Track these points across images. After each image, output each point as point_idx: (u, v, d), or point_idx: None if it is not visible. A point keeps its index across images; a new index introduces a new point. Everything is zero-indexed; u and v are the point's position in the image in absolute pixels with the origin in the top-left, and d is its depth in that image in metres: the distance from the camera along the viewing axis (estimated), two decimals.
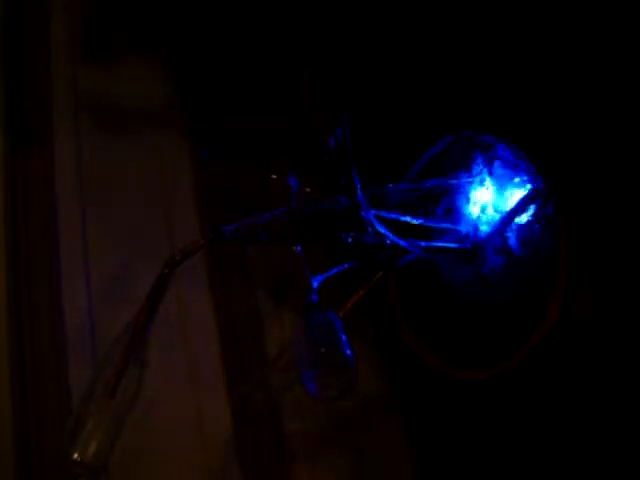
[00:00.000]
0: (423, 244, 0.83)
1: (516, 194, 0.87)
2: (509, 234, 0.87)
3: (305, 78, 0.81)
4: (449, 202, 0.92)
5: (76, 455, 0.61)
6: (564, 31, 0.86)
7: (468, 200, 0.91)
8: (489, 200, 0.89)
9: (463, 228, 0.90)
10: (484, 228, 0.89)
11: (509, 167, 0.88)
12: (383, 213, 0.79)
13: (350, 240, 0.75)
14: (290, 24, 0.96)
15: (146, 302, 0.65)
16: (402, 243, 0.79)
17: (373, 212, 0.77)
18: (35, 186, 1.02)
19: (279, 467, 0.96)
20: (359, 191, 0.75)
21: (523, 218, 0.86)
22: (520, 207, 0.86)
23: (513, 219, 0.86)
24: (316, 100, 0.78)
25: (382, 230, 0.77)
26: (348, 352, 0.70)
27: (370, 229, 0.77)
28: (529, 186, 0.86)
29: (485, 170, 0.90)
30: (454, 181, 0.91)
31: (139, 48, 1.13)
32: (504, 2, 0.90)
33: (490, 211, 0.89)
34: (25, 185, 1.02)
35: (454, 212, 0.92)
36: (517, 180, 0.87)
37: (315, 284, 0.75)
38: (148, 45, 1.14)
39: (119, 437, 0.64)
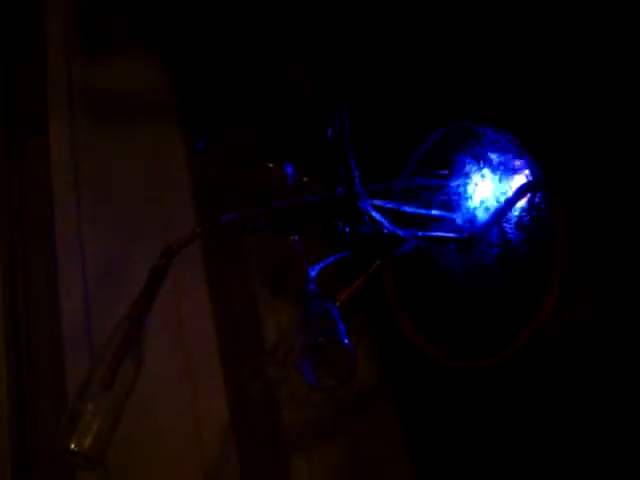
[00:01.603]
0: (420, 233, 0.83)
1: (513, 184, 0.87)
2: (506, 224, 0.87)
3: (303, 70, 0.81)
4: (447, 192, 0.92)
5: (73, 445, 0.60)
6: (561, 23, 0.86)
7: (465, 190, 0.91)
8: (486, 190, 0.89)
9: (460, 218, 0.90)
10: (481, 218, 0.89)
11: (507, 157, 0.88)
12: (380, 202, 0.79)
13: (347, 229, 0.75)
14: (288, 18, 0.96)
15: (143, 292, 0.65)
16: (399, 232, 0.79)
17: (370, 201, 0.76)
18: (31, 184, 1.02)
19: (277, 458, 0.96)
20: (357, 180, 0.75)
21: (520, 208, 0.86)
22: (517, 197, 0.86)
23: (510, 209, 0.86)
24: (314, 91, 0.78)
25: (379, 219, 0.77)
26: (346, 341, 0.70)
27: (367, 218, 0.76)
28: (526, 176, 0.86)
29: (482, 160, 0.90)
30: (451, 171, 0.91)
31: (136, 44, 1.13)
32: None
33: (487, 201, 0.89)
34: (21, 183, 1.01)
35: (452, 202, 0.92)
36: (514, 170, 0.87)
37: (312, 273, 0.75)
38: (145, 41, 1.13)
39: (116, 429, 0.63)
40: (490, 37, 0.91)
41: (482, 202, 0.89)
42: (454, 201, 0.92)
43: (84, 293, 0.97)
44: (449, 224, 0.90)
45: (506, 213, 0.87)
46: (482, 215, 0.89)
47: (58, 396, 0.91)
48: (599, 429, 0.82)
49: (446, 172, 0.92)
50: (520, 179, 0.86)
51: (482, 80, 0.91)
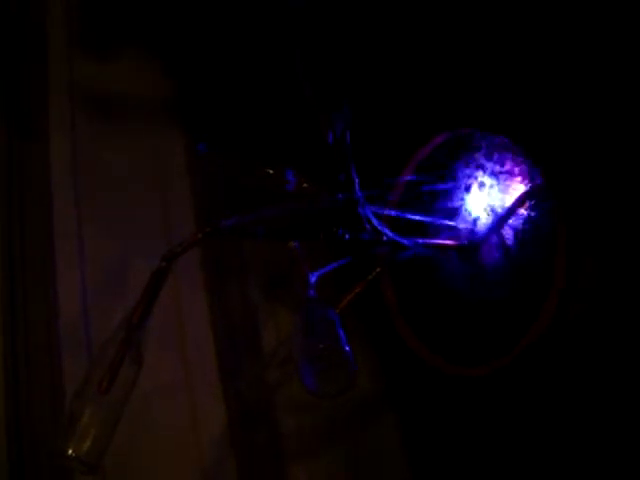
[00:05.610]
0: (420, 241, 0.83)
1: (514, 191, 0.87)
2: (507, 231, 0.87)
3: (304, 74, 0.81)
4: (447, 199, 0.92)
5: (71, 451, 0.60)
6: (562, 29, 0.86)
7: (466, 197, 0.91)
8: (487, 197, 0.89)
9: (460, 225, 0.90)
10: (482, 225, 0.89)
11: (508, 164, 0.88)
12: (381, 209, 0.79)
13: (347, 236, 0.74)
14: (290, 20, 0.96)
15: (143, 296, 0.65)
16: (399, 239, 0.79)
17: (370, 208, 0.76)
18: (31, 184, 1.02)
19: (274, 464, 0.96)
20: (357, 187, 0.75)
21: (521, 215, 0.86)
22: (518, 204, 0.86)
23: (510, 216, 0.86)
24: (315, 96, 0.78)
25: (379, 226, 0.77)
26: (347, 348, 0.70)
27: (367, 225, 0.76)
28: (527, 183, 0.86)
29: (483, 167, 0.90)
30: (451, 178, 0.91)
31: (137, 45, 1.13)
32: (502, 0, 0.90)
33: (488, 208, 0.89)
34: (21, 183, 1.01)
35: (452, 209, 0.92)
36: (515, 177, 0.87)
37: (313, 279, 0.74)
38: (146, 41, 1.14)
39: (114, 433, 0.63)
40: (491, 44, 0.91)
41: (482, 209, 0.89)
42: (454, 208, 0.92)
43: (82, 293, 0.97)
44: (449, 231, 0.90)
45: (506, 220, 0.87)
46: (482, 222, 0.89)
47: (55, 397, 0.91)
48: (597, 435, 0.82)
49: (446, 179, 0.92)
50: (520, 186, 0.86)
51: (483, 87, 0.91)
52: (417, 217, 0.87)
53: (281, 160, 0.78)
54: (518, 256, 0.86)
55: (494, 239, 0.88)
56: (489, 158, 0.90)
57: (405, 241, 0.80)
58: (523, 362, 0.83)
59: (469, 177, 0.91)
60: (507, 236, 0.87)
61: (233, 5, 1.09)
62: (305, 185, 0.77)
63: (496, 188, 0.89)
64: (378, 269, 0.86)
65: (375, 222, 0.76)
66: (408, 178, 0.96)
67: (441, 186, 0.92)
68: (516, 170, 0.87)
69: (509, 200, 0.87)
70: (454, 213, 0.92)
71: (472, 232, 0.89)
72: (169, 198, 1.07)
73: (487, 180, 0.90)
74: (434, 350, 0.93)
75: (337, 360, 0.70)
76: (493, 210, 0.88)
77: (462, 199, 0.91)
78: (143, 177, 1.06)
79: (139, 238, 1.01)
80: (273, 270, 1.05)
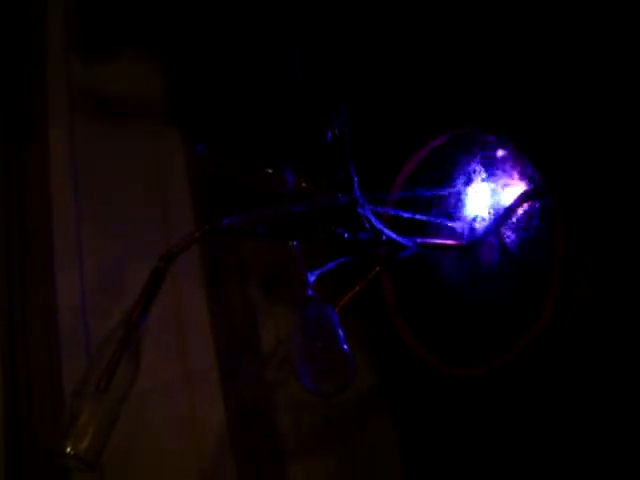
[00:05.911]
0: (419, 240, 0.83)
1: (513, 191, 0.87)
2: (506, 231, 0.87)
3: (304, 73, 0.81)
4: (446, 199, 0.92)
5: (69, 449, 0.60)
6: (563, 30, 0.86)
7: (465, 197, 0.91)
8: (486, 197, 0.89)
9: (460, 225, 0.90)
10: (481, 225, 0.89)
11: (507, 164, 0.88)
12: (380, 209, 0.79)
13: (347, 235, 0.74)
14: (290, 21, 0.96)
15: (141, 296, 0.65)
16: (398, 239, 0.79)
17: (370, 207, 0.76)
18: (30, 184, 1.02)
19: (274, 463, 0.96)
20: (356, 186, 0.75)
21: (520, 215, 0.86)
22: (517, 204, 0.86)
23: (509, 217, 0.86)
24: (314, 95, 0.78)
25: (378, 226, 0.77)
26: (345, 347, 0.70)
27: (367, 224, 0.76)
28: (526, 184, 0.86)
29: (483, 167, 0.90)
30: (451, 177, 0.91)
31: (136, 46, 1.13)
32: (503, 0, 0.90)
33: (487, 208, 0.89)
34: (20, 183, 1.01)
35: (451, 209, 0.92)
36: (515, 177, 0.87)
37: (312, 279, 0.74)
38: (145, 43, 1.14)
39: (112, 432, 0.63)
40: (491, 44, 0.91)
41: (481, 209, 0.89)
42: (453, 208, 0.92)
43: (82, 293, 0.97)
44: (448, 231, 0.90)
45: (506, 220, 0.87)
46: (481, 222, 0.89)
47: (54, 397, 0.91)
48: (596, 435, 0.82)
49: (446, 178, 0.92)
50: (520, 186, 0.86)
51: (484, 87, 0.91)
52: (416, 216, 0.87)
53: (280, 160, 0.78)
54: (517, 256, 0.86)
55: (493, 239, 0.88)
56: (488, 158, 0.90)
57: (404, 240, 0.80)
58: (522, 362, 0.83)
59: (468, 177, 0.91)
60: (506, 236, 0.87)
61: (232, 5, 1.09)
62: (304, 185, 0.77)
63: (495, 188, 0.89)
64: (377, 268, 0.86)
65: (374, 221, 0.76)
66: (407, 178, 0.96)
67: (440, 186, 0.92)
68: (515, 170, 0.87)
69: (508, 200, 0.87)
70: (453, 213, 0.92)
71: (471, 232, 0.89)
72: (169, 198, 1.07)
73: (486, 180, 0.90)
74: (432, 349, 0.93)
75: (335, 359, 0.70)
76: (492, 210, 0.88)
77: (461, 199, 0.91)
78: (143, 177, 1.06)
79: (138, 238, 1.01)
80: (272, 269, 1.05)
